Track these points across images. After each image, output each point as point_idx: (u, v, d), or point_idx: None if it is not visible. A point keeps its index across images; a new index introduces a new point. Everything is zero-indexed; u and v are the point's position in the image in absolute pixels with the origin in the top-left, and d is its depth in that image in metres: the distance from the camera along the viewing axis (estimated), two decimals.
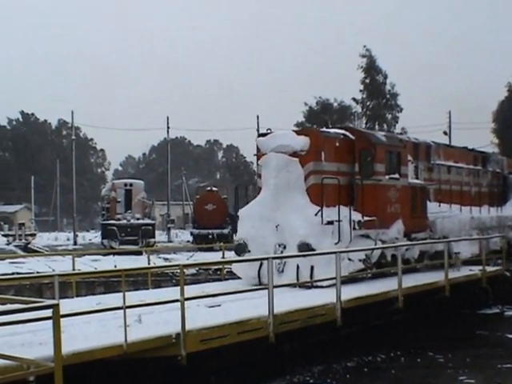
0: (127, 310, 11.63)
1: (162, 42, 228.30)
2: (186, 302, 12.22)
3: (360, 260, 19.74)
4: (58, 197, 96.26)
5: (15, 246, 48.20)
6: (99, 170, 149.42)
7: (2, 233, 61.88)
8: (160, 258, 34.54)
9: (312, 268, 18.46)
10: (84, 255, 31.58)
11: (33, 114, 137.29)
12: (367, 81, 78.90)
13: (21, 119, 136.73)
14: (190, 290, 13.95)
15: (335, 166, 20.67)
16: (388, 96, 79.10)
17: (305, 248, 18.59)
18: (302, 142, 19.99)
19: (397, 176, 22.18)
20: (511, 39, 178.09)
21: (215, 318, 13.33)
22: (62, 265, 25.41)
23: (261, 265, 18.87)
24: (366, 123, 77.08)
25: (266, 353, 14.61)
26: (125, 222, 43.57)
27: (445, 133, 66.62)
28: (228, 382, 13.98)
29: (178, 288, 12.57)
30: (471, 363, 16.83)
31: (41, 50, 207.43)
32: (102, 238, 44.96)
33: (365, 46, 78.27)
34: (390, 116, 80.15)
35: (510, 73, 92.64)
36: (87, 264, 27.19)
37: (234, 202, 21.24)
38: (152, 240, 44.38)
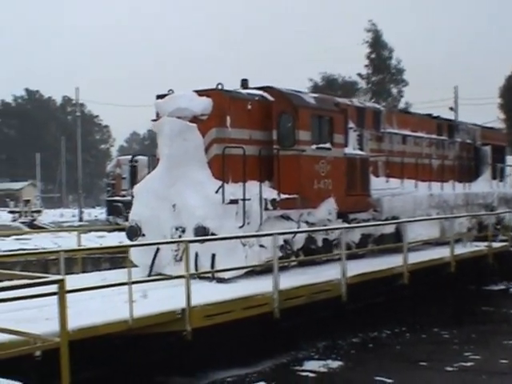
0: (133, 286, 11.63)
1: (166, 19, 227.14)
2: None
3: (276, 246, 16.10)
4: (64, 173, 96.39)
5: (21, 222, 48.40)
6: (104, 147, 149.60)
7: (8, 209, 62.06)
8: None
9: (213, 256, 15.44)
10: (89, 231, 31.58)
11: (37, 91, 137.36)
12: (373, 56, 78.85)
13: (26, 96, 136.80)
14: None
15: (246, 133, 17.18)
16: (393, 71, 79.08)
17: (202, 232, 15.37)
18: (202, 105, 16.53)
19: (328, 146, 18.58)
20: None
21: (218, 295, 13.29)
22: (67, 241, 25.49)
23: (157, 251, 15.98)
24: (371, 98, 77.06)
25: (271, 328, 14.64)
26: (130, 198, 43.50)
27: (451, 108, 66.29)
28: (232, 357, 14.03)
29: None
30: (476, 339, 16.89)
31: (46, 25, 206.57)
32: (108, 215, 44.97)
33: (370, 21, 78.13)
34: (395, 91, 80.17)
35: None
36: (93, 240, 27.24)
37: (130, 176, 18.25)
38: None
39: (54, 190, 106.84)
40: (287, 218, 17.45)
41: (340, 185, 19.01)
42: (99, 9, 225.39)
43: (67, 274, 13.59)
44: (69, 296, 9.79)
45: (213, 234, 15.31)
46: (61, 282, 7.60)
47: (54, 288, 7.90)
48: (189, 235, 15.40)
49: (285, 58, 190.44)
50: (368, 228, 19.84)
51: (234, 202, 15.85)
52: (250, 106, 17.29)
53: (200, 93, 16.72)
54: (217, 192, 15.71)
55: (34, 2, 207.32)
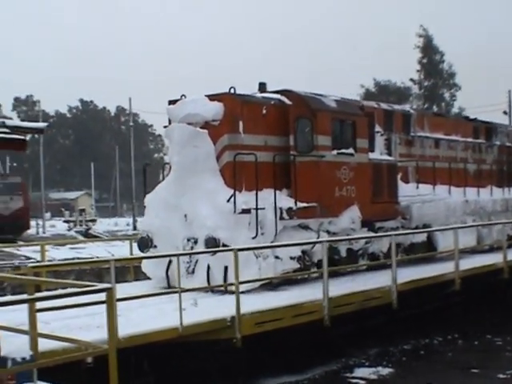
0: (182, 295, 11.74)
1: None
2: None
3: (293, 258, 15.90)
4: (118, 183, 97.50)
5: (76, 231, 48.99)
6: (157, 156, 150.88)
7: (63, 219, 62.97)
8: None
9: (226, 269, 14.75)
10: None
11: (91, 102, 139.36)
12: (424, 60, 78.51)
13: (80, 107, 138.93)
14: None
15: (261, 138, 16.48)
16: (445, 75, 78.60)
17: (212, 244, 14.74)
18: (214, 110, 15.86)
19: (350, 151, 17.74)
20: None
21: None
22: (121, 250, 25.78)
23: (169, 263, 15.37)
24: (424, 103, 76.60)
25: (322, 336, 14.66)
26: None
27: (505, 112, 65.36)
28: (283, 364, 14.09)
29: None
30: None
31: (100, 37, 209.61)
32: None
33: (421, 26, 77.75)
34: (447, 95, 79.58)
35: None
36: None
37: (143, 184, 17.47)
38: None
39: (109, 199, 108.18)
40: (305, 227, 16.72)
41: (365, 192, 18.20)
42: (154, 20, 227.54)
43: (120, 282, 13.87)
44: (120, 304, 10.02)
45: (224, 246, 14.65)
46: (109, 291, 7.76)
47: (104, 296, 8.05)
48: (201, 246, 15.00)
49: (335, 64, 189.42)
50: (397, 237, 18.04)
51: (246, 211, 15.17)
52: (265, 111, 16.60)
53: (211, 97, 16.12)
54: (228, 201, 15.11)
55: (89, 13, 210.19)
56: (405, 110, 21.79)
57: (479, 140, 25.78)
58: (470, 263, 19.31)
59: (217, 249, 14.25)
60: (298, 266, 15.91)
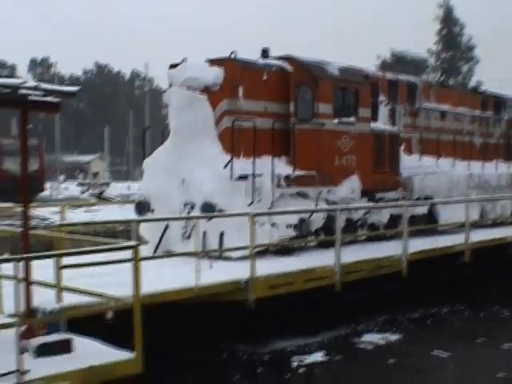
0: (179, 259, 12.10)
1: None
2: None
3: (289, 226, 15.76)
4: (131, 147, 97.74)
5: (90, 194, 49.31)
6: None
7: (77, 182, 63.35)
8: None
9: (222, 235, 14.81)
10: None
11: (106, 66, 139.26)
12: (443, 32, 77.80)
13: (95, 70, 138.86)
14: None
15: (261, 105, 16.31)
16: (464, 48, 77.95)
17: (208, 209, 14.71)
18: (213, 75, 15.70)
19: (352, 120, 17.56)
20: None
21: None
22: (133, 213, 26.13)
23: (166, 228, 15.45)
24: (441, 76, 76.19)
25: (332, 301, 15.03)
26: None
27: None
28: (293, 328, 14.49)
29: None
30: None
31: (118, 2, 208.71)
32: None
33: None
34: (465, 68, 79.07)
35: None
36: None
37: (142, 148, 17.18)
38: None
39: (122, 163, 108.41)
40: (304, 195, 16.61)
41: (365, 162, 18.05)
42: None
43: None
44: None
45: (220, 211, 14.65)
46: (136, 248, 8.14)
47: (127, 255, 8.40)
48: (197, 211, 14.97)
49: (351, 34, 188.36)
50: (398, 208, 18.21)
51: (243, 177, 15.13)
52: (265, 77, 16.44)
53: (212, 62, 15.96)
54: (225, 167, 15.04)
55: None
56: (410, 80, 21.62)
57: (487, 113, 25.51)
58: (478, 236, 19.50)
59: (233, 213, 14.30)
60: (295, 233, 15.85)
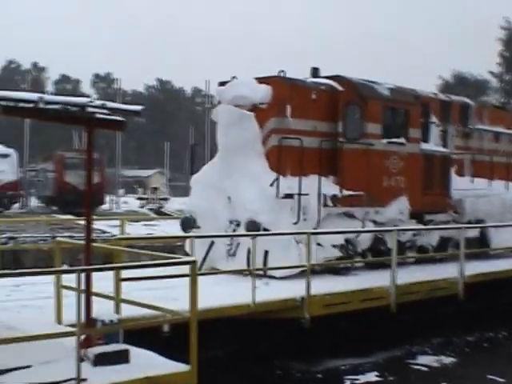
0: (220, 276, 12.21)
1: None
2: None
3: (335, 246, 15.70)
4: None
5: (148, 209, 49.78)
6: None
7: (137, 196, 64.04)
8: None
9: (266, 253, 14.65)
10: None
11: (169, 82, 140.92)
12: (506, 53, 76.96)
13: (157, 86, 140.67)
14: None
15: (309, 123, 16.30)
16: None
17: (253, 227, 14.61)
18: (262, 93, 15.76)
19: (401, 140, 17.47)
20: None
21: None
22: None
23: (211, 245, 15.43)
24: (503, 97, 75.32)
25: (387, 322, 15.01)
26: None
27: None
28: (348, 347, 14.51)
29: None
30: None
31: (181, 18, 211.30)
32: None
33: (505, 17, 76.23)
34: None
35: None
36: None
37: (190, 164, 17.41)
38: None
39: (181, 179, 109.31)
40: (350, 215, 16.49)
41: (415, 183, 17.90)
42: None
43: None
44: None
45: (265, 230, 14.62)
46: (193, 263, 8.33)
47: (184, 270, 8.60)
48: (243, 229, 14.96)
49: (410, 53, 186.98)
50: (448, 231, 18.20)
51: (288, 196, 15.09)
52: (314, 96, 16.37)
53: (260, 80, 16.06)
54: (271, 185, 14.99)
55: None
56: (463, 101, 21.30)
57: None
58: None
59: (288, 232, 14.41)
60: (341, 254, 15.81)
